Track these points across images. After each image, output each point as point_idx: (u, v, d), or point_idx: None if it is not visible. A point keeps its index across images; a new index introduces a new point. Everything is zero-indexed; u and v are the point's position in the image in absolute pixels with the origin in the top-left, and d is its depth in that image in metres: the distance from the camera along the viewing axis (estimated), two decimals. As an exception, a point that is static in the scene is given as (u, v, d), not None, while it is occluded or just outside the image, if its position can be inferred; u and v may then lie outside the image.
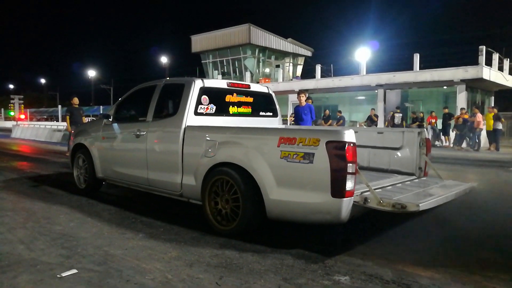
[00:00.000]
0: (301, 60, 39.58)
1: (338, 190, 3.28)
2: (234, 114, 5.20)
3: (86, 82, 57.90)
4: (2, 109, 55.65)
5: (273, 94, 5.94)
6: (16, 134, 24.04)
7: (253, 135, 4.08)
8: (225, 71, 36.45)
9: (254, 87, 5.61)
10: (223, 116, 5.02)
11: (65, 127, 21.02)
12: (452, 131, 16.85)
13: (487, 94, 22.74)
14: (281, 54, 37.34)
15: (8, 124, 38.92)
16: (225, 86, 5.13)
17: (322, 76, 25.89)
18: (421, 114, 18.48)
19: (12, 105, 29.52)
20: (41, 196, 5.88)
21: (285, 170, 3.57)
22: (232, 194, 3.94)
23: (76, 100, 11.91)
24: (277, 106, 6.00)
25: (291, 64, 38.12)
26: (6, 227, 4.24)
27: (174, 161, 4.55)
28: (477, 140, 15.63)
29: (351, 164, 3.28)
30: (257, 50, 34.91)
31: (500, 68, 21.07)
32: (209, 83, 4.88)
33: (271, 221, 3.80)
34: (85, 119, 12.58)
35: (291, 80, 30.90)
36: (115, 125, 5.61)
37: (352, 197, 3.34)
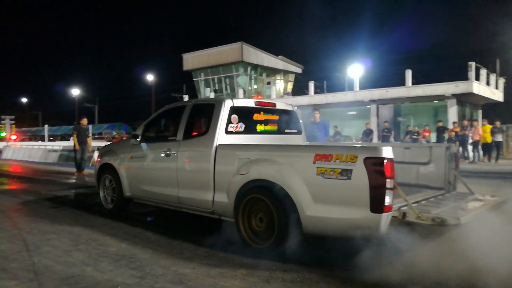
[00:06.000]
0: (291, 77, 40.15)
1: (377, 205, 3.34)
2: (261, 132, 5.32)
3: (70, 100, 57.10)
4: (-9, 130, 54.13)
5: (297, 112, 6.08)
6: (7, 155, 23.53)
7: (288, 152, 4.16)
8: (217, 88, 36.65)
9: (280, 105, 5.75)
10: (251, 134, 5.12)
11: (60, 147, 20.89)
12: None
13: (474, 107, 23.51)
14: (272, 71, 37.83)
15: (-2, 145, 38.08)
16: (253, 105, 5.28)
17: (314, 93, 26.33)
18: (416, 128, 19.02)
19: (3, 125, 28.79)
20: (73, 218, 5.85)
21: (322, 187, 3.61)
22: (266, 211, 3.98)
23: (85, 121, 12.06)
24: (301, 123, 6.15)
25: (282, 81, 38.60)
26: (60, 249, 4.23)
27: (206, 179, 4.62)
28: (477, 152, 16.23)
29: (389, 180, 3.36)
30: (249, 68, 35.31)
31: (487, 83, 21.89)
32: (238, 102, 5.03)
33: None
34: (90, 140, 12.64)
35: (282, 96, 31.27)
36: (144, 144, 5.67)
37: (391, 212, 3.42)
